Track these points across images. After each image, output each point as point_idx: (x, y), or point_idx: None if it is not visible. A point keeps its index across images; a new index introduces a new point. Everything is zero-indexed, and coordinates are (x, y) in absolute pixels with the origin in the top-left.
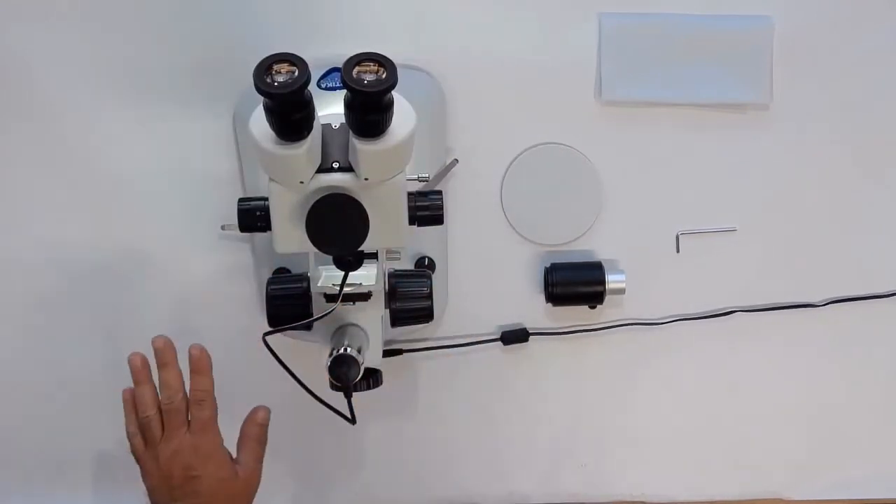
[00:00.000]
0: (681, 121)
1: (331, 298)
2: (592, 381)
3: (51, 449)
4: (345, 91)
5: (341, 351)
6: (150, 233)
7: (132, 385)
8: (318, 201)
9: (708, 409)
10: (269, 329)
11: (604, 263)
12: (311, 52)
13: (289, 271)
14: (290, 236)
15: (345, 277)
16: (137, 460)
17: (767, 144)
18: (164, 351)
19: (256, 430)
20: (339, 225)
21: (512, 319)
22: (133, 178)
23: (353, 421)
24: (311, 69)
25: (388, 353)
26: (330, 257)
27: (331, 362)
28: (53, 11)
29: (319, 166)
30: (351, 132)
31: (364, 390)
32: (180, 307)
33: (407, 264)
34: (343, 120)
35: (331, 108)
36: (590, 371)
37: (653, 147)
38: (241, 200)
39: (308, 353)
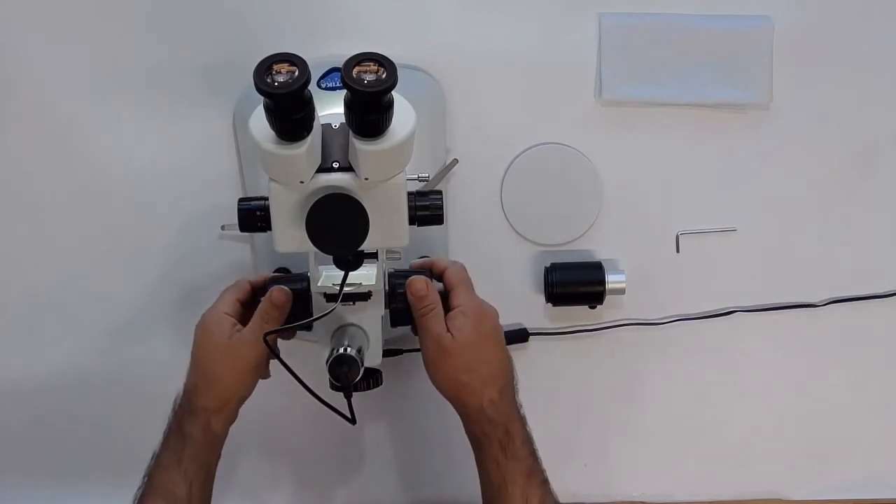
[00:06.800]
0: (681, 121)
1: (331, 298)
2: (592, 382)
3: (54, 448)
4: (345, 91)
5: (341, 351)
6: (149, 233)
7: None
8: (318, 201)
9: (708, 409)
10: (269, 329)
11: (604, 263)
12: (311, 52)
13: (289, 271)
14: (290, 236)
15: (345, 277)
16: None
17: (767, 144)
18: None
19: (266, 305)
20: (339, 225)
21: (512, 319)
22: (133, 178)
23: (353, 421)
24: (311, 69)
25: (388, 353)
26: (330, 257)
27: (331, 362)
28: (53, 11)
29: (319, 166)
30: (351, 132)
31: (364, 390)
32: (180, 307)
33: (407, 264)
34: (343, 120)
35: (331, 108)
36: (590, 371)
37: (653, 147)
38: (241, 200)
39: (308, 353)
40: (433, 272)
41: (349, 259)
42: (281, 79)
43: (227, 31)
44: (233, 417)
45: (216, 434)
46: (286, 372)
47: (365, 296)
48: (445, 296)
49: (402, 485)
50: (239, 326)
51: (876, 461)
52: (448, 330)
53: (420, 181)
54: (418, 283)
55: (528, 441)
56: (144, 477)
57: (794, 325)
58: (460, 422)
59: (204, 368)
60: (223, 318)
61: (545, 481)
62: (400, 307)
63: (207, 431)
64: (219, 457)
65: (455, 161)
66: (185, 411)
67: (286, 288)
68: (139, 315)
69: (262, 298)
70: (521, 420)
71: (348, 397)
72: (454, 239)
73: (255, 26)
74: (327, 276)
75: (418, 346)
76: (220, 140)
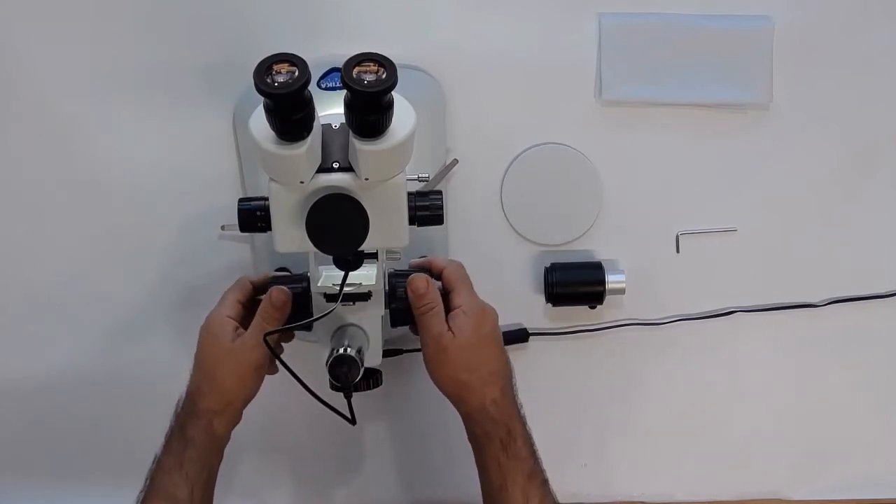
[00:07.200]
0: (681, 121)
1: (331, 298)
2: (592, 382)
3: (54, 448)
4: (345, 91)
5: (341, 351)
6: (149, 233)
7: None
8: (318, 201)
9: (708, 409)
10: (270, 329)
11: (604, 263)
12: (311, 52)
13: (289, 271)
14: (290, 236)
15: (345, 277)
16: None
17: (767, 144)
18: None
19: (265, 306)
20: (339, 225)
21: (512, 319)
22: (133, 178)
23: (353, 421)
24: (311, 69)
25: (388, 353)
26: (330, 257)
27: (331, 362)
28: (53, 11)
29: (319, 166)
30: (351, 132)
31: (364, 390)
32: (180, 307)
33: (407, 264)
34: (343, 120)
35: (331, 108)
36: (590, 371)
37: (653, 147)
38: (241, 200)
39: (308, 353)
40: (432, 271)
41: (349, 259)
42: (281, 79)
43: (227, 31)
44: (236, 420)
45: (218, 436)
46: (286, 372)
47: (365, 296)
48: (445, 295)
49: (402, 485)
50: (241, 330)
51: (876, 461)
52: (449, 329)
53: (420, 181)
54: (419, 281)
55: (529, 441)
56: (146, 479)
57: (794, 325)
58: (460, 422)
59: (207, 371)
60: (225, 322)
61: (545, 482)
62: (400, 307)
63: (209, 434)
64: (220, 459)
65: (455, 161)
66: (187, 413)
67: (286, 288)
68: (139, 315)
69: (262, 299)
70: (522, 420)
71: (348, 397)
72: (454, 239)
73: (255, 26)
74: (327, 276)
75: (418, 346)
76: (220, 140)
